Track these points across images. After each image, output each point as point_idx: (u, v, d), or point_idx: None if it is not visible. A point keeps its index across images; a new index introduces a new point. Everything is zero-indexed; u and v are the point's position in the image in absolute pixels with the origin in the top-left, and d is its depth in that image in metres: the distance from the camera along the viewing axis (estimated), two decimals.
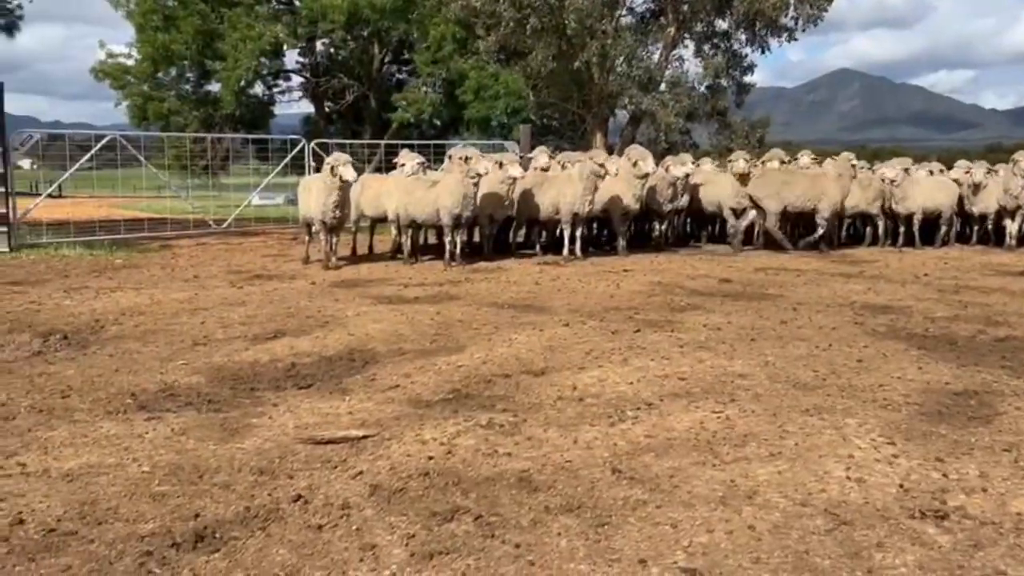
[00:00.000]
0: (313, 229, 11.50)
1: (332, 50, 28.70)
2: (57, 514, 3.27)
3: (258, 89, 27.59)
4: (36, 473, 3.72)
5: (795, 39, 23.97)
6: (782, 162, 13.79)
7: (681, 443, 4.09)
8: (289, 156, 17.49)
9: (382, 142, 21.60)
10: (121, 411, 4.68)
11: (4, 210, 12.45)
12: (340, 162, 10.64)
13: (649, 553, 2.97)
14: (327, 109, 29.38)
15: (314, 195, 10.99)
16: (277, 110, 29.25)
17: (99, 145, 15.20)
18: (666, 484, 3.57)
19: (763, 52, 24.63)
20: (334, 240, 11.23)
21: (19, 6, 24.85)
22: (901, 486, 3.55)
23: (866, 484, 3.58)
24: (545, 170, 12.45)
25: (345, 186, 10.75)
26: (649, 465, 3.79)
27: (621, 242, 12.46)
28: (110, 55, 26.73)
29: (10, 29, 24.95)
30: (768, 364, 5.66)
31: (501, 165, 11.44)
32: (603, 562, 2.91)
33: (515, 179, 11.26)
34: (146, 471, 3.74)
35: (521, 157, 13.57)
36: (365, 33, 27.02)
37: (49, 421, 4.49)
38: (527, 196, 11.94)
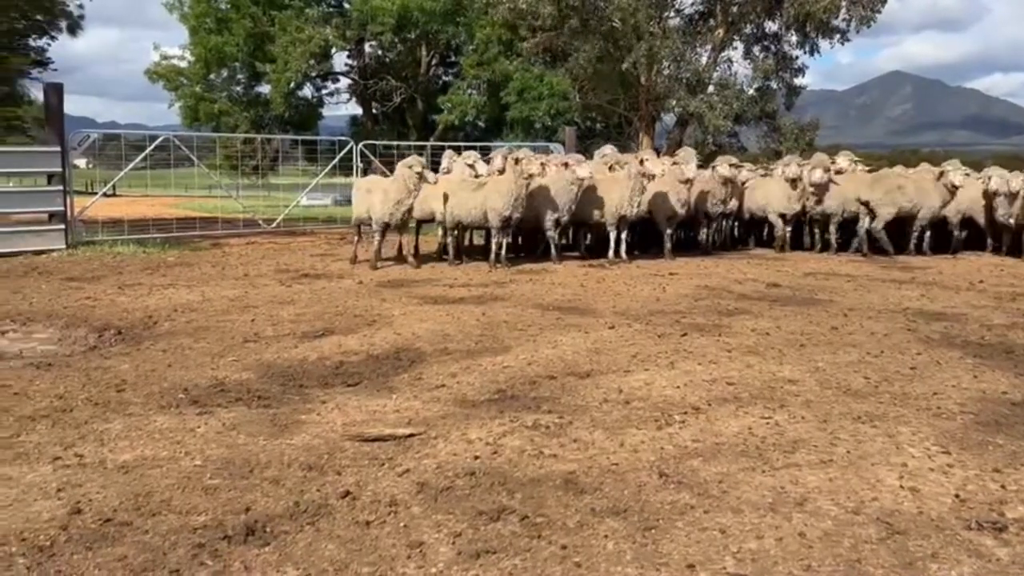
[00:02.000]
0: (372, 229, 11.38)
1: (380, 52, 29.01)
2: (113, 505, 3.35)
3: (307, 91, 28.04)
4: (93, 464, 3.81)
5: (848, 40, 23.61)
6: (825, 169, 13.63)
7: (729, 448, 4.04)
8: (337, 157, 17.68)
9: (428, 143, 21.75)
10: (174, 405, 4.77)
11: (62, 208, 12.76)
12: (421, 165, 10.75)
13: (697, 558, 2.94)
14: (374, 111, 29.66)
15: (389, 196, 10.89)
16: (325, 111, 29.68)
17: (153, 145, 15.51)
18: (714, 489, 3.54)
19: (814, 54, 24.30)
20: (380, 240, 11.33)
21: (80, 6, 25.57)
22: (957, 496, 3.47)
23: (920, 493, 3.50)
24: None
25: (418, 189, 10.81)
26: (697, 470, 3.76)
27: (667, 245, 12.33)
28: (164, 57, 27.35)
29: (73, 29, 25.69)
30: (818, 370, 5.57)
31: (567, 165, 11.40)
32: (651, 566, 2.89)
33: (583, 180, 11.23)
34: (198, 464, 3.81)
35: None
36: (413, 36, 27.27)
37: (105, 414, 4.59)
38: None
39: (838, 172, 13.20)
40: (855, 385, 5.22)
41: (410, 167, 10.75)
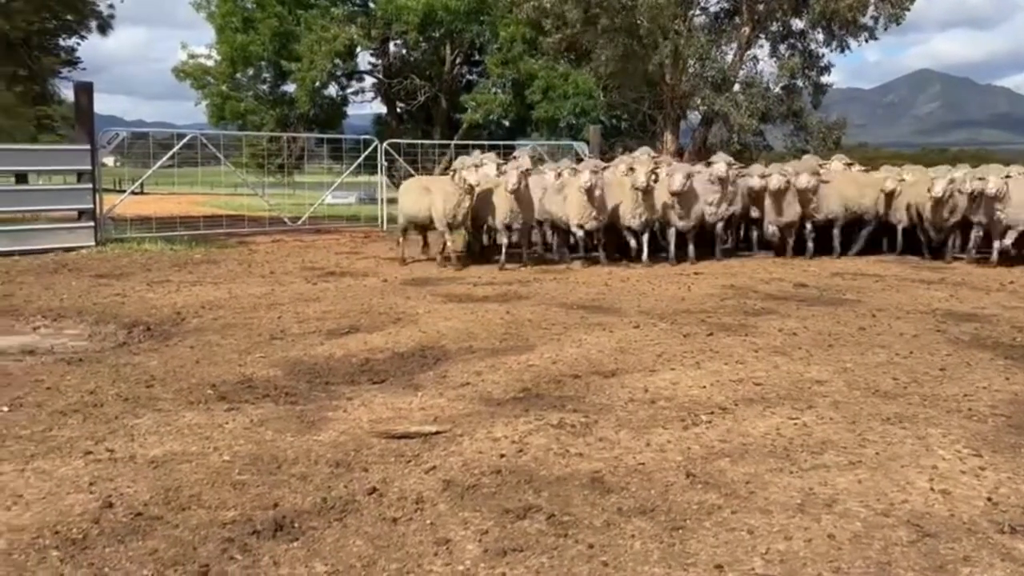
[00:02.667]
0: (438, 229, 11.23)
1: (405, 51, 29.07)
2: (144, 499, 3.39)
3: (332, 90, 28.13)
4: (123, 459, 3.86)
5: (875, 39, 23.38)
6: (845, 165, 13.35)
7: (757, 449, 4.02)
8: (362, 156, 17.76)
9: (452, 142, 21.79)
10: (202, 401, 4.81)
11: (92, 206, 12.91)
12: (470, 165, 10.78)
13: (725, 558, 2.92)
14: (398, 110, 29.74)
15: (449, 196, 10.79)
16: (349, 110, 29.79)
17: (181, 144, 15.65)
18: (742, 490, 3.52)
19: (842, 51, 24.07)
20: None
21: (111, 6, 25.92)
22: (989, 499, 3.43)
23: (951, 496, 3.46)
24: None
25: (470, 190, 10.75)
26: (724, 470, 3.74)
27: (690, 248, 11.67)
28: (191, 56, 27.59)
29: (103, 29, 26.06)
30: (846, 371, 5.53)
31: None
32: (678, 566, 2.88)
33: (517, 189, 10.42)
34: (227, 460, 3.84)
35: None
36: (438, 34, 27.29)
37: (135, 409, 4.64)
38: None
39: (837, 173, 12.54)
40: (884, 386, 5.17)
41: (466, 168, 10.73)
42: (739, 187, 12.16)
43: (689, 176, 11.30)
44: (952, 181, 11.39)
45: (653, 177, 10.87)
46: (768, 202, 11.98)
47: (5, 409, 4.61)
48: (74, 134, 13.61)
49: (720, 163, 11.83)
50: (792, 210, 11.89)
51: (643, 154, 12.57)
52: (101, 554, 2.94)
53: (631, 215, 11.13)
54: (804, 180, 11.60)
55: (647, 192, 10.85)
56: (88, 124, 12.95)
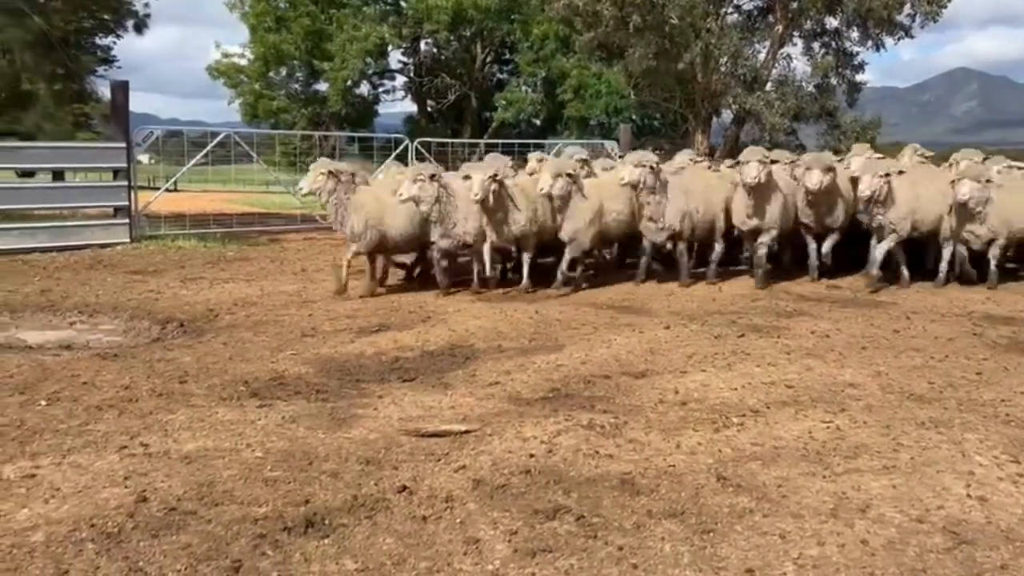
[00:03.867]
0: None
1: (436, 50, 29.20)
2: (177, 494, 3.43)
3: (363, 88, 28.33)
4: (158, 454, 3.91)
5: (911, 37, 23.05)
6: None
7: (789, 452, 3.98)
8: (393, 155, 17.82)
9: (481, 141, 21.82)
10: (235, 397, 4.86)
11: (127, 203, 13.08)
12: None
13: (756, 563, 2.90)
14: (429, 108, 29.87)
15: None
16: (380, 109, 29.99)
17: (214, 142, 15.82)
18: (774, 493, 3.48)
19: (877, 50, 23.75)
20: None
21: (147, 4, 26.28)
22: None
23: (988, 503, 3.41)
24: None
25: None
26: (755, 473, 3.71)
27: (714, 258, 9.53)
28: (225, 55, 27.92)
29: (140, 28, 26.43)
30: (880, 374, 5.45)
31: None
32: (709, 569, 2.86)
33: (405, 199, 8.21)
34: (259, 456, 3.88)
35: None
36: (468, 33, 27.40)
37: (169, 405, 4.70)
38: None
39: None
40: (919, 390, 5.09)
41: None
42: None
43: (830, 169, 9.02)
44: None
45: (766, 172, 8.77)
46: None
47: (43, 403, 4.68)
48: (110, 132, 13.78)
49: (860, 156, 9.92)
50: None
51: (684, 155, 12.09)
52: (136, 548, 2.99)
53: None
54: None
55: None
56: (124, 122, 13.11)
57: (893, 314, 7.62)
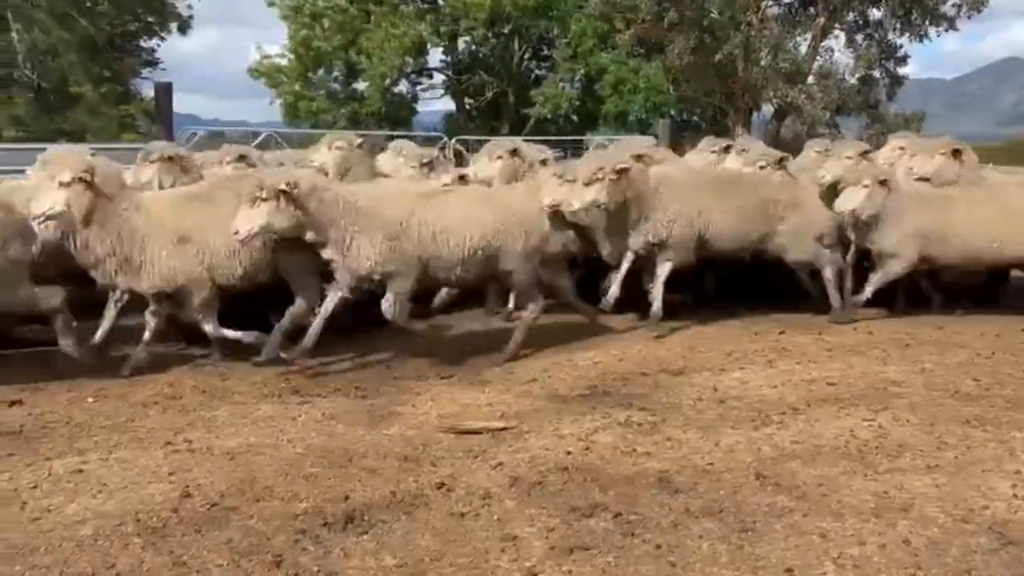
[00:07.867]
0: None
1: (473, 47, 29.23)
2: (220, 489, 3.49)
3: (402, 87, 28.47)
4: (201, 450, 3.98)
5: (955, 29, 22.58)
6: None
7: (830, 451, 3.93)
8: (436, 151, 17.87)
9: (520, 138, 21.80)
10: (276, 394, 4.93)
11: None
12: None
13: (796, 562, 2.87)
14: (467, 106, 29.92)
15: None
16: (418, 107, 30.10)
17: (256, 141, 15.99)
18: (814, 492, 3.44)
19: (921, 41, 23.31)
20: None
21: (189, 6, 26.78)
22: None
23: None
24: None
25: None
26: (795, 472, 3.67)
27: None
28: (264, 56, 28.26)
29: (183, 29, 26.99)
30: (924, 371, 5.35)
31: None
32: (747, 568, 2.84)
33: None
34: (299, 453, 3.93)
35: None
36: (506, 30, 27.38)
37: (211, 401, 4.78)
38: None
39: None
40: (964, 388, 4.99)
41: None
42: None
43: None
44: None
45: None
46: None
47: (91, 400, 4.80)
48: (154, 132, 14.01)
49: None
50: None
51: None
52: (180, 542, 3.05)
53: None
54: None
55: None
56: (167, 123, 13.30)
57: (938, 310, 7.45)
